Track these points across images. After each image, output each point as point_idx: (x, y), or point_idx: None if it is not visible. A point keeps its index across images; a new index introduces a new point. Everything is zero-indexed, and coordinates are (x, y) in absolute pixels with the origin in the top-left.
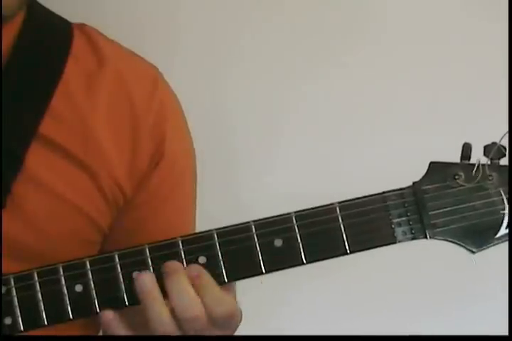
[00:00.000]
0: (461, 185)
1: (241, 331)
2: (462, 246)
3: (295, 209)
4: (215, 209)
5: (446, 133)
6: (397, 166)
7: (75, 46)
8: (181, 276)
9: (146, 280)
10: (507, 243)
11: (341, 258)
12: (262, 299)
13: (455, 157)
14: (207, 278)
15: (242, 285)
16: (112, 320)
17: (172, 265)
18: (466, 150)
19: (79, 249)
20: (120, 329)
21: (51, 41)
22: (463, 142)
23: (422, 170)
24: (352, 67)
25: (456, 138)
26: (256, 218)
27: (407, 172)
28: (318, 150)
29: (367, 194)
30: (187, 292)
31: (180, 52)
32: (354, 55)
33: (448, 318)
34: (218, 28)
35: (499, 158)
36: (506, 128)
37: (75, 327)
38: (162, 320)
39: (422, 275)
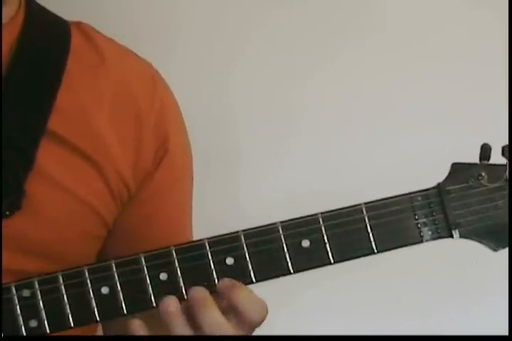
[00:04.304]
0: (484, 185)
1: None
2: (485, 244)
3: (295, 210)
4: (215, 209)
5: (453, 134)
6: (401, 168)
7: (74, 44)
8: (209, 305)
9: (170, 304)
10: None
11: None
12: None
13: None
14: (244, 288)
15: None
16: (139, 327)
17: (197, 293)
18: (485, 151)
19: (87, 244)
20: (142, 332)
21: (51, 39)
22: (471, 143)
23: (427, 171)
24: (359, 65)
25: (465, 139)
26: (255, 220)
27: (413, 173)
28: (321, 151)
29: (371, 195)
30: (218, 324)
31: (181, 48)
32: (361, 52)
33: (448, 318)
34: (219, 26)
35: None
36: None
37: None
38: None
39: (421, 275)
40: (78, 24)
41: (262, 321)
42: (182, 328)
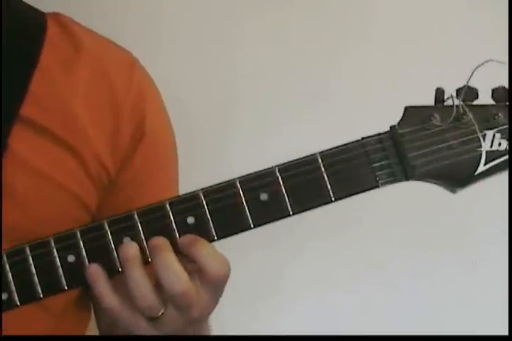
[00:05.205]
0: (437, 126)
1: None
2: (442, 186)
3: None
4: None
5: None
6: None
7: (50, 33)
8: (166, 251)
9: (129, 248)
10: (506, 239)
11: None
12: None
13: None
14: (206, 244)
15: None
16: (98, 275)
17: (156, 241)
18: (439, 94)
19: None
20: (106, 289)
21: (26, 28)
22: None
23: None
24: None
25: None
26: None
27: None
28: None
29: None
30: (173, 267)
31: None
32: (357, 52)
33: (448, 318)
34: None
35: (472, 100)
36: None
37: (67, 326)
38: (141, 291)
39: (421, 275)
40: (55, 15)
41: (225, 280)
42: (138, 275)
